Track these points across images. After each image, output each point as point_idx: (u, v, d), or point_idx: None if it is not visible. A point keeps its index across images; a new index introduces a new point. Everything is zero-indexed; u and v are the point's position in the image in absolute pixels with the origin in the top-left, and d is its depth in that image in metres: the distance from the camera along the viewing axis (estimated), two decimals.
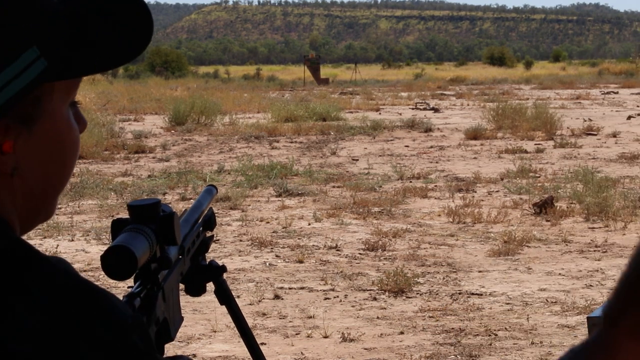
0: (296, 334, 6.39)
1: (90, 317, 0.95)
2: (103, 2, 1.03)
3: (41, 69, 0.99)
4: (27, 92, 0.99)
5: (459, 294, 7.37)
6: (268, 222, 10.28)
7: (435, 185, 12.82)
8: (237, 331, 2.09)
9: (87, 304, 0.96)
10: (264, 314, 6.86)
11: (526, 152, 16.58)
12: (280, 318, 6.78)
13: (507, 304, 7.08)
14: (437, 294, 7.37)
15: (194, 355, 5.98)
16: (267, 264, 8.43)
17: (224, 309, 2.02)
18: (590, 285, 7.58)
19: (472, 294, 7.38)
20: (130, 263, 1.34)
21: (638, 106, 28.25)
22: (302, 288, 7.61)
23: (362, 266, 8.34)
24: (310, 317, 6.76)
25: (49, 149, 1.04)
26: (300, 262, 8.46)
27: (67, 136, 1.05)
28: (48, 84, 1.01)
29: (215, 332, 6.42)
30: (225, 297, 1.99)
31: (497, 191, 12.27)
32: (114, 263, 1.34)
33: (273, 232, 9.77)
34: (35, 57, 0.99)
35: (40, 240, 9.32)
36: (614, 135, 19.16)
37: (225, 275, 1.98)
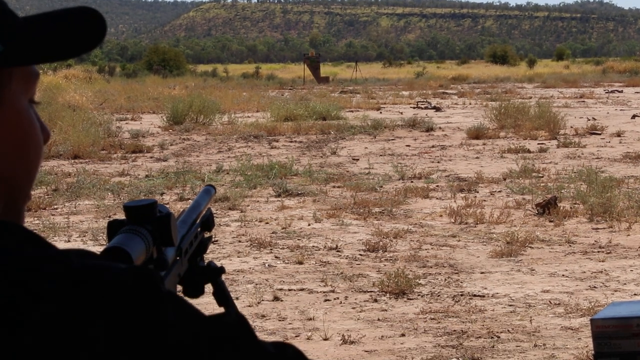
0: (296, 336, 6.33)
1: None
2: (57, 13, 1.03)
3: None
4: None
5: (461, 295, 7.30)
6: (267, 223, 10.22)
7: (437, 186, 12.76)
8: None
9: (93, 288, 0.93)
10: (263, 316, 6.80)
11: (529, 151, 16.51)
12: (279, 320, 6.72)
13: (510, 305, 7.01)
14: (438, 296, 7.29)
15: None
16: (267, 265, 8.36)
17: (222, 310, 1.95)
18: (594, 287, 7.51)
19: (474, 295, 7.31)
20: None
21: None
22: (301, 289, 7.54)
23: (362, 267, 8.27)
24: (310, 319, 6.70)
25: (11, 141, 1.00)
26: (300, 263, 8.39)
27: (30, 129, 1.02)
28: (6, 71, 0.99)
29: None
30: (224, 298, 1.95)
31: (499, 191, 12.21)
32: None
33: (272, 232, 9.70)
34: None
35: None
36: (619, 134, 19.12)
37: (223, 277, 1.93)
